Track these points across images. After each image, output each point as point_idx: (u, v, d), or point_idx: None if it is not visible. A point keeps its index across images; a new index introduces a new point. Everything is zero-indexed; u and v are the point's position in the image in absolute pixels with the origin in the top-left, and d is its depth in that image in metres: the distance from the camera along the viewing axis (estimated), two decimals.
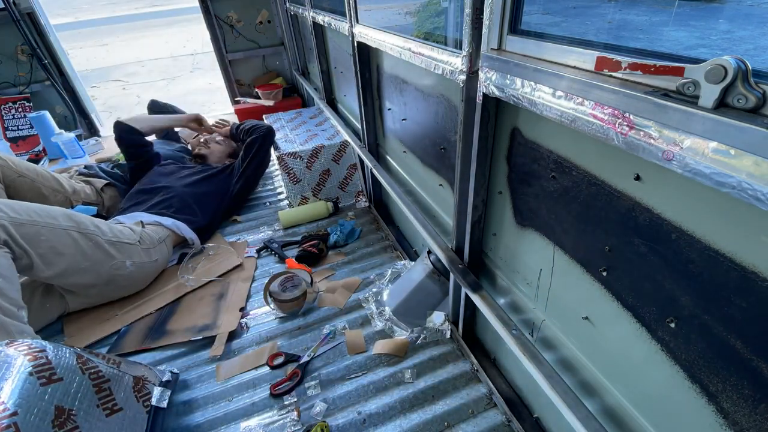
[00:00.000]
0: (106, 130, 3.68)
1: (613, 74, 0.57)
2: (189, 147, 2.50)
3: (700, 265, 0.55)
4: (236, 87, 3.60)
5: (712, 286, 0.54)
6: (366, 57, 1.63)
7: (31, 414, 0.82)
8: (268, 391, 1.24)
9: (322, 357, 1.35)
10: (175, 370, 1.30)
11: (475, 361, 1.26)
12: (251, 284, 1.70)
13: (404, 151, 1.59)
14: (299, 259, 1.78)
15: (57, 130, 3.01)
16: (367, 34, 1.45)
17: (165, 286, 1.69)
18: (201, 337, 1.43)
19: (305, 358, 1.33)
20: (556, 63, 0.67)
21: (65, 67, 3.33)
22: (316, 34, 2.29)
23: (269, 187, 2.49)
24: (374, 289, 1.56)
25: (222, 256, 1.85)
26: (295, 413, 1.17)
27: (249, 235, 2.04)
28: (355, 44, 1.59)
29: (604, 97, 0.56)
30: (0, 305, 1.12)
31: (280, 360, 1.33)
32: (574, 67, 0.64)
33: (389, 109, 1.63)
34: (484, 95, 0.84)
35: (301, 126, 2.41)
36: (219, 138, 2.40)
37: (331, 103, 2.51)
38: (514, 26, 0.75)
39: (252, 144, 2.17)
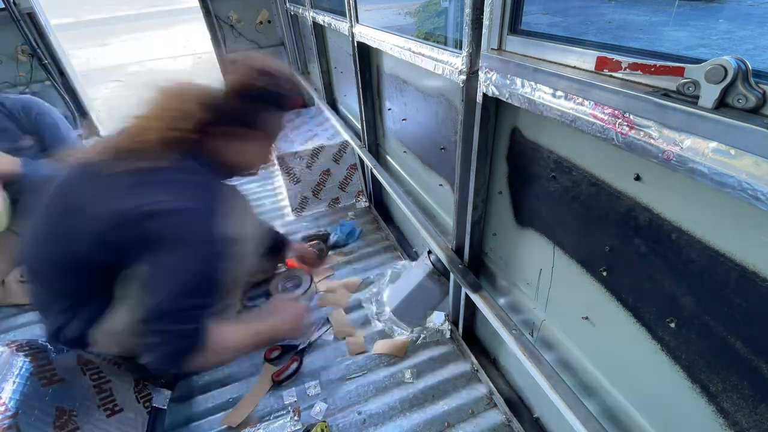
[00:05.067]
0: (106, 130, 3.68)
1: (614, 74, 0.57)
2: None
3: (700, 265, 0.55)
4: None
5: (712, 286, 0.54)
6: (366, 57, 1.63)
7: (32, 415, 0.83)
8: (270, 381, 1.26)
9: (321, 357, 1.35)
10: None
11: (475, 361, 1.26)
12: None
13: (404, 151, 1.59)
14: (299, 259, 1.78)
15: None
16: (367, 34, 1.45)
17: None
18: None
19: (302, 345, 1.36)
20: (556, 63, 0.67)
21: (65, 67, 3.34)
22: (316, 34, 2.29)
23: (269, 187, 2.49)
24: (374, 289, 1.56)
25: None
26: (295, 413, 1.18)
27: None
28: (355, 44, 1.59)
29: (604, 97, 0.56)
30: None
31: (277, 353, 1.35)
32: (574, 67, 0.64)
33: (389, 109, 1.63)
34: (484, 95, 0.84)
35: (302, 126, 2.41)
36: None
37: (331, 103, 2.51)
38: (514, 26, 0.75)
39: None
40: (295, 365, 1.29)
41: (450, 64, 0.93)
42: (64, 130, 1.71)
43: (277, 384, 1.25)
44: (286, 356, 1.34)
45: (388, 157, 1.82)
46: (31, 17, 3.08)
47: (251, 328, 1.10)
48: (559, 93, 0.64)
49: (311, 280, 1.62)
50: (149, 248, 0.87)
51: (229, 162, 1.11)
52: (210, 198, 0.98)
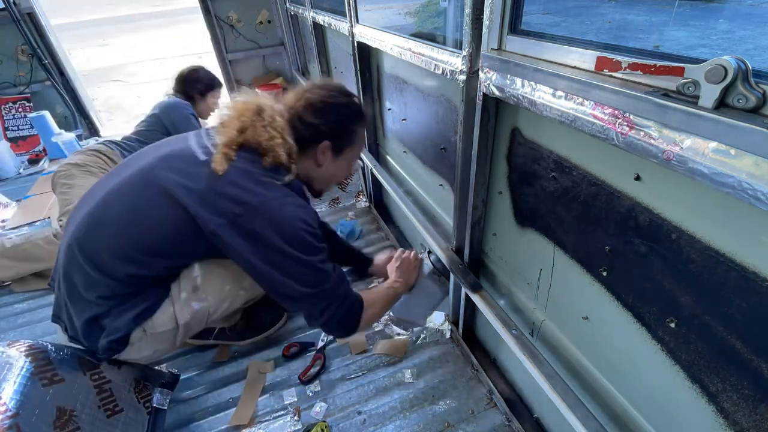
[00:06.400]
0: (107, 131, 3.68)
1: (614, 74, 0.57)
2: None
3: (700, 265, 0.55)
4: (236, 87, 3.60)
5: (712, 286, 0.54)
6: (366, 57, 1.63)
7: (32, 415, 0.83)
8: (297, 379, 1.28)
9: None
10: (176, 371, 1.30)
11: (475, 361, 1.26)
12: None
13: (404, 151, 1.59)
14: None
15: (57, 130, 3.01)
16: (367, 34, 1.45)
17: None
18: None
19: (321, 343, 1.38)
20: (556, 63, 0.67)
21: (65, 67, 3.34)
22: (316, 34, 2.29)
23: None
24: None
25: None
26: (295, 413, 1.18)
27: None
28: (355, 44, 1.58)
29: (604, 97, 0.56)
30: None
31: (295, 350, 1.36)
32: (575, 67, 0.64)
33: (389, 109, 1.63)
34: (484, 95, 0.84)
35: None
36: None
37: None
38: (514, 26, 0.75)
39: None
40: (319, 363, 1.31)
41: (450, 64, 0.93)
42: (194, 123, 2.03)
43: (304, 383, 1.27)
44: (303, 353, 1.37)
45: (388, 157, 1.82)
46: (31, 17, 3.08)
47: (386, 291, 1.19)
48: (559, 93, 0.64)
49: None
50: (267, 238, 0.92)
51: (313, 176, 1.14)
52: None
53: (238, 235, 0.93)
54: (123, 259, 0.99)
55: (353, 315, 1.06)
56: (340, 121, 1.09)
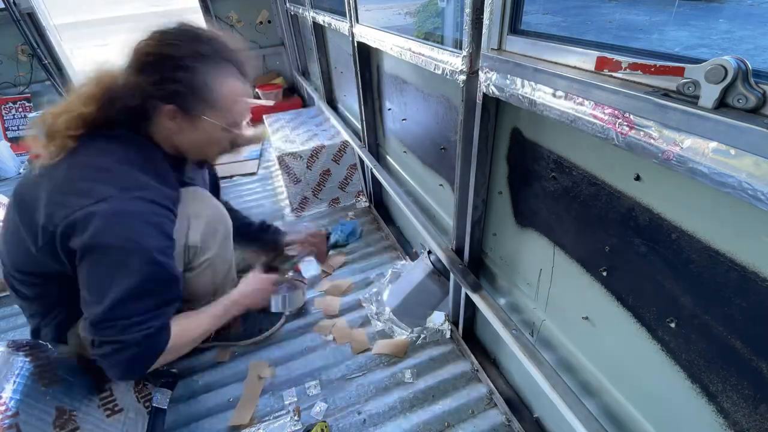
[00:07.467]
0: None
1: (614, 74, 0.57)
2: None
3: (700, 265, 0.55)
4: None
5: (712, 286, 0.54)
6: (366, 57, 1.63)
7: (32, 415, 0.83)
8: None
9: (322, 357, 1.35)
10: (176, 371, 1.30)
11: (475, 361, 1.26)
12: None
13: (404, 151, 1.59)
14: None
15: None
16: (367, 35, 1.45)
17: None
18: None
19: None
20: (556, 63, 0.67)
21: (65, 67, 3.34)
22: (316, 34, 2.28)
23: (269, 187, 2.49)
24: (374, 289, 1.56)
25: None
26: (295, 413, 1.18)
27: None
28: (355, 44, 1.58)
29: (604, 97, 0.56)
30: None
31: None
32: (575, 67, 0.63)
33: (389, 109, 1.63)
34: (484, 95, 0.84)
35: (301, 126, 2.41)
36: None
37: (331, 103, 2.51)
38: (514, 26, 0.75)
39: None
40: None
41: (450, 64, 0.93)
42: None
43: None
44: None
45: (388, 157, 1.82)
46: (31, 17, 3.08)
47: (208, 313, 1.09)
48: (559, 93, 0.64)
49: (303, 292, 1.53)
50: (90, 252, 0.82)
51: (180, 147, 1.00)
52: (158, 191, 0.91)
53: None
54: (20, 282, 0.97)
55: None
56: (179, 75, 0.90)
